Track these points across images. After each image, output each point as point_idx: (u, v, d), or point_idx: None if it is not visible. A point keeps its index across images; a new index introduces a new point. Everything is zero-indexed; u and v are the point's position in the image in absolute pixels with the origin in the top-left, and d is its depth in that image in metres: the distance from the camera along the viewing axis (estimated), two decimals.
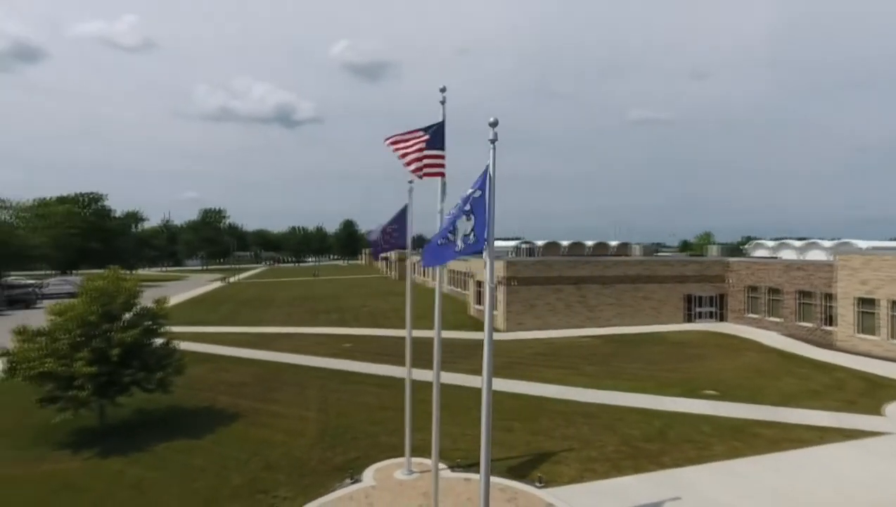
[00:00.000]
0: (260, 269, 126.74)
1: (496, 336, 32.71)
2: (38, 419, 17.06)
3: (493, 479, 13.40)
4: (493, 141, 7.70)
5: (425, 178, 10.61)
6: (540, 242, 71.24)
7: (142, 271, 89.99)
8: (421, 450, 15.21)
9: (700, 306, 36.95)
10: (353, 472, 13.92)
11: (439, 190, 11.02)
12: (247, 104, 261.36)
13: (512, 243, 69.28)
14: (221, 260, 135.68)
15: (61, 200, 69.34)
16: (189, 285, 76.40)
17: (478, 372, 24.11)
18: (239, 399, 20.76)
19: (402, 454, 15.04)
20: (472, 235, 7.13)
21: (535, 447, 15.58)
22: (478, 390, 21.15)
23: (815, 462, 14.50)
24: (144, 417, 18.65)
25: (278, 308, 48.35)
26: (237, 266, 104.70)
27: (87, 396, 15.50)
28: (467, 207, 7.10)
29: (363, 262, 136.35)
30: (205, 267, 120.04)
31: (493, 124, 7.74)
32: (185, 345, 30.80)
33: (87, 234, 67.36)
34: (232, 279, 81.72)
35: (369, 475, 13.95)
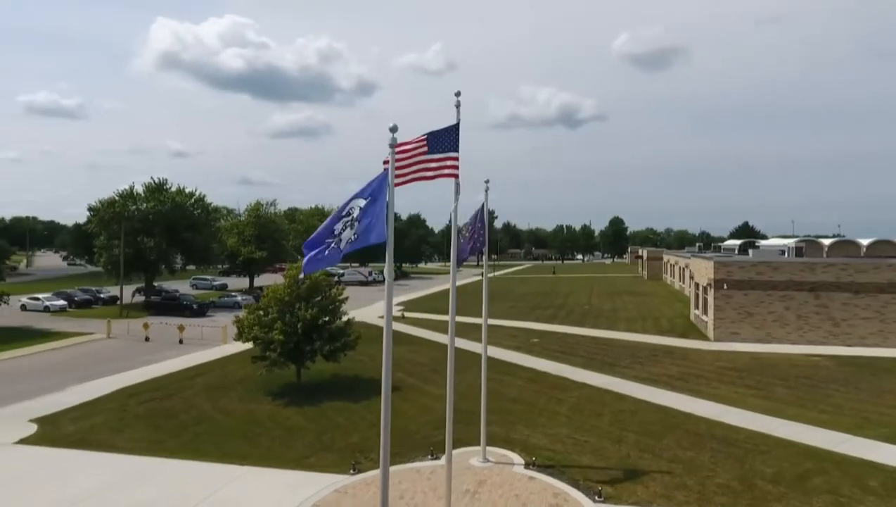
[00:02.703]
0: (527, 265, 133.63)
1: (701, 345, 29.23)
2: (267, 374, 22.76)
3: (553, 482, 13.32)
4: (392, 146, 8.32)
5: (438, 179, 11.27)
6: (827, 241, 59.20)
7: (422, 265, 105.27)
8: (513, 443, 15.78)
9: None
10: (434, 450, 15.28)
11: (453, 190, 11.65)
12: (532, 109, 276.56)
13: (789, 242, 58.74)
14: (494, 257, 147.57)
15: None
16: (447, 279, 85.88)
17: (645, 380, 22.53)
18: (409, 377, 23.87)
19: (502, 445, 15.79)
20: (354, 236, 7.95)
21: (631, 463, 14.46)
22: (626, 398, 20.04)
23: None
24: (333, 380, 23.14)
25: (506, 302, 51.42)
26: (500, 263, 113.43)
27: (276, 357, 20.39)
28: (355, 214, 7.94)
29: (629, 260, 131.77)
30: (477, 263, 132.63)
31: (393, 130, 8.35)
32: (403, 327, 36.19)
33: None
34: (490, 275, 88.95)
35: None
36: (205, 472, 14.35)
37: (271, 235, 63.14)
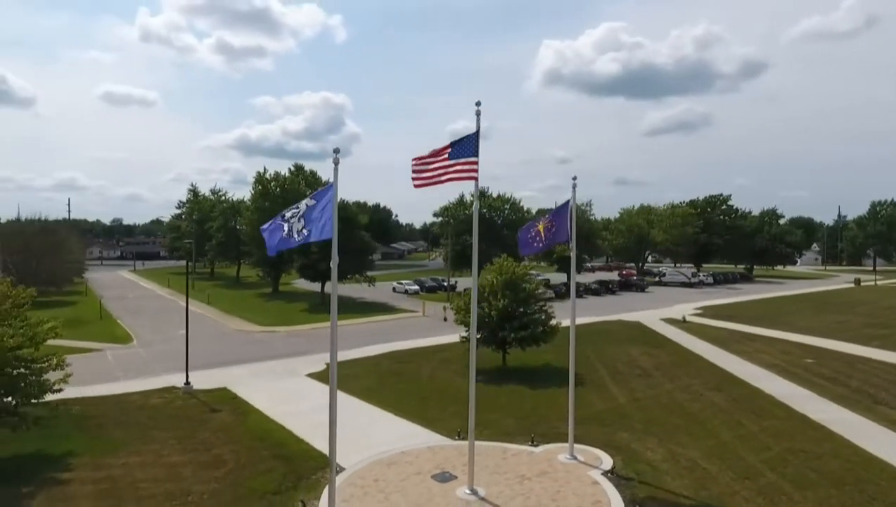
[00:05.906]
0: None
1: None
2: (483, 354, 25.97)
3: (611, 491, 13.34)
4: (336, 163, 10.40)
5: (461, 181, 12.66)
6: None
7: (779, 268, 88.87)
8: (624, 451, 15.44)
9: None
10: (535, 438, 16.04)
11: (475, 191, 12.78)
12: None
13: None
14: None
15: (691, 203, 79.94)
16: (805, 285, 71.40)
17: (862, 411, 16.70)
18: (611, 376, 23.66)
19: (612, 451, 15.48)
20: (304, 230, 10.43)
21: (725, 501, 12.40)
22: (833, 438, 15.94)
23: None
24: (538, 369, 24.72)
25: (843, 315, 41.32)
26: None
27: (476, 340, 23.68)
28: (302, 209, 10.47)
29: None
30: (873, 267, 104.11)
31: (336, 151, 10.43)
32: (669, 331, 33.99)
33: (709, 231, 75.16)
34: (864, 282, 70.24)
35: (544, 447, 15.65)
36: (371, 413, 18.98)
37: (584, 235, 66.03)
